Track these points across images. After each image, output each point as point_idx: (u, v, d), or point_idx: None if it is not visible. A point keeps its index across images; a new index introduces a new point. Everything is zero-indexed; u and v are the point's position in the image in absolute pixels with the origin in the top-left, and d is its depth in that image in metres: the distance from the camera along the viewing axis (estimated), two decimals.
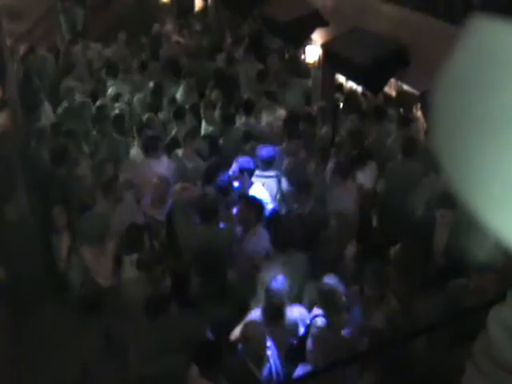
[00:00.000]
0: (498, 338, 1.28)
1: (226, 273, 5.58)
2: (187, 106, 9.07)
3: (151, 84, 9.92)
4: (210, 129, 8.52)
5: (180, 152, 7.51)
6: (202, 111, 8.82)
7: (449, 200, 5.64)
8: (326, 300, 4.86)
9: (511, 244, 0.78)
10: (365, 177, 6.93)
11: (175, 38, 13.51)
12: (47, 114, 9.29)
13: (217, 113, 8.82)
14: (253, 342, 4.52)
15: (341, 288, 4.96)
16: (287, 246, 5.58)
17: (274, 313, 4.89)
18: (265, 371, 4.57)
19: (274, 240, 5.67)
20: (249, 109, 8.46)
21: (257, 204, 6.00)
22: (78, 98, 9.54)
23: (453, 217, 5.65)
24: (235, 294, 5.51)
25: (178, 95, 9.84)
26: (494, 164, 0.72)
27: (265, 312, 4.92)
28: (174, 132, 8.42)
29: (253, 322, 4.74)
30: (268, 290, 4.93)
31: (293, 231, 5.77)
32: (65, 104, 9.42)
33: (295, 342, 5.02)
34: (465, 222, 5.82)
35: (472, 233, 5.69)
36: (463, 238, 5.63)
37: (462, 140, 0.75)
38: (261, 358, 4.58)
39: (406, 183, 6.62)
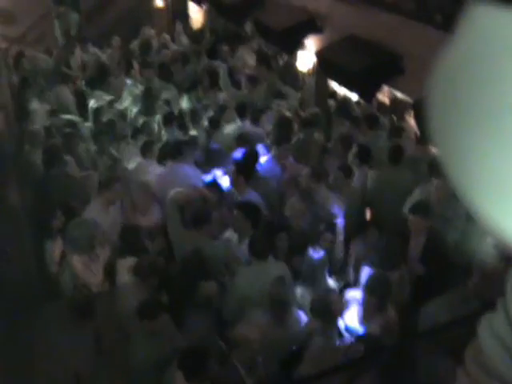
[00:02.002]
0: (489, 347, 1.28)
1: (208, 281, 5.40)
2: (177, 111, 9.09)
3: (142, 88, 9.93)
4: (194, 133, 8.50)
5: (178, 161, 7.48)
6: (188, 116, 8.80)
7: (423, 208, 5.68)
8: (321, 311, 4.82)
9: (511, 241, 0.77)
10: (357, 181, 6.94)
11: (168, 42, 13.53)
12: (40, 118, 9.25)
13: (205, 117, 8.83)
14: (245, 345, 4.49)
15: (337, 295, 4.96)
16: (266, 253, 5.37)
17: (276, 315, 4.86)
18: (255, 376, 4.54)
19: (252, 247, 5.41)
20: (242, 112, 8.50)
21: (253, 211, 5.96)
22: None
23: (426, 225, 5.67)
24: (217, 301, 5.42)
25: (171, 99, 9.85)
26: (494, 158, 0.72)
27: (267, 315, 4.88)
28: (165, 137, 8.40)
29: (248, 325, 4.70)
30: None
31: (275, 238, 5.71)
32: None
33: (292, 351, 4.97)
34: (447, 229, 5.89)
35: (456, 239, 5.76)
36: (445, 244, 5.69)
37: (460, 134, 0.75)
38: (252, 363, 4.54)
39: (395, 191, 6.64)
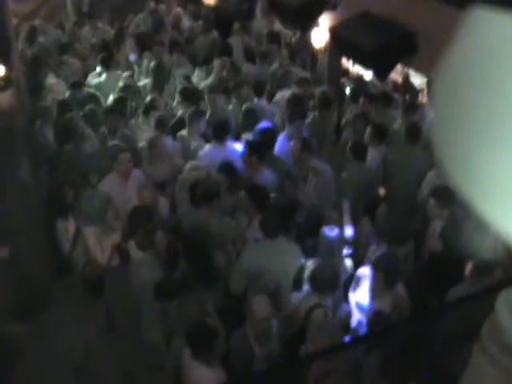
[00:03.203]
0: (506, 323, 1.27)
1: (214, 257, 5.40)
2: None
3: (153, 64, 9.88)
4: (209, 109, 8.38)
5: (184, 133, 7.48)
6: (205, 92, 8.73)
7: (442, 192, 5.63)
8: (320, 283, 4.84)
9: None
10: (372, 160, 6.91)
11: (180, 18, 13.40)
12: (55, 92, 9.21)
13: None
14: (258, 318, 4.52)
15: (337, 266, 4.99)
16: (277, 231, 5.34)
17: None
18: (265, 349, 4.57)
19: (263, 224, 5.38)
20: (260, 91, 8.48)
21: (260, 194, 5.91)
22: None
23: (445, 209, 5.63)
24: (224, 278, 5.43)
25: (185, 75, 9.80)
26: (495, 157, 0.71)
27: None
28: (179, 113, 8.36)
29: (261, 298, 4.72)
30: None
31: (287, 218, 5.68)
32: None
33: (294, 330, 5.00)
34: (462, 216, 5.85)
35: (470, 226, 5.71)
36: (460, 230, 5.64)
37: (462, 133, 0.75)
38: (263, 335, 4.57)
39: (410, 170, 6.61)
